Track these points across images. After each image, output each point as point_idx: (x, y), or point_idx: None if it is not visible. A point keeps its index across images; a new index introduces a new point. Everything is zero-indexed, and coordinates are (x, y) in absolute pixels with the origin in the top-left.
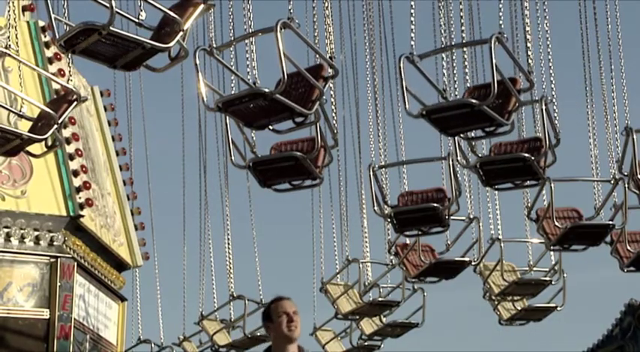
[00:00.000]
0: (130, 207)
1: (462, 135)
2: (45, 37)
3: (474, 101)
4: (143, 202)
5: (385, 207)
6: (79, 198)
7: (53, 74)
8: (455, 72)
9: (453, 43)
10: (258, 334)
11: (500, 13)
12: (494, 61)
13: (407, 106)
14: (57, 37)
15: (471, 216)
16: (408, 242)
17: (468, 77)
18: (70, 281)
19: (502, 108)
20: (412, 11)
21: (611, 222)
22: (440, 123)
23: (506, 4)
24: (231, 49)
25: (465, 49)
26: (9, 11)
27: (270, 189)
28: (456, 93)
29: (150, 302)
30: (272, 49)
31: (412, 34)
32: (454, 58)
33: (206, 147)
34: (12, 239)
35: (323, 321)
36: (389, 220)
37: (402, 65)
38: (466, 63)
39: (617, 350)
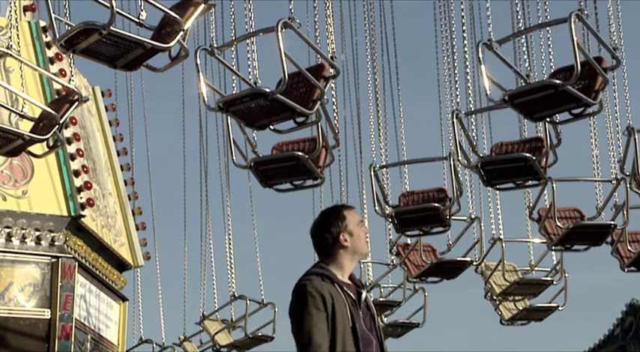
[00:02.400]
0: (131, 207)
1: (548, 119)
2: (46, 37)
3: (557, 81)
4: (144, 202)
5: (386, 207)
6: (80, 198)
7: (54, 74)
8: (533, 57)
9: (530, 26)
10: (260, 334)
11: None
12: (574, 39)
13: (488, 92)
14: (57, 37)
15: (473, 216)
16: (409, 242)
17: (552, 61)
18: (71, 281)
19: (589, 88)
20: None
21: (612, 222)
22: (524, 108)
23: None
24: (232, 48)
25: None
26: (10, 11)
27: (272, 189)
28: (542, 75)
29: (151, 302)
30: (273, 49)
31: (488, 21)
32: (532, 42)
33: (207, 147)
34: (13, 239)
35: None
36: (390, 220)
37: (481, 52)
38: (550, 45)
39: (618, 350)
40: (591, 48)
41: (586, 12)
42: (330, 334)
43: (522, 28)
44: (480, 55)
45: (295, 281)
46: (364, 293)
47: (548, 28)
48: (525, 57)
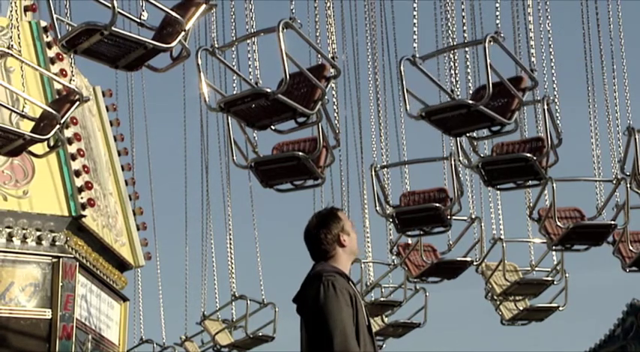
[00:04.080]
0: (132, 207)
1: (467, 135)
2: (47, 37)
3: (470, 102)
4: (145, 202)
5: (387, 207)
6: (81, 198)
7: (55, 74)
8: (457, 72)
9: (451, 44)
10: (260, 334)
11: (498, 13)
12: (488, 61)
13: (408, 107)
14: (59, 37)
15: (473, 216)
16: (409, 242)
17: (470, 77)
18: (72, 281)
19: (506, 107)
20: (414, 13)
21: (613, 222)
22: (442, 125)
23: (508, 4)
24: (233, 49)
25: (466, 49)
26: (11, 11)
27: (272, 189)
28: (458, 94)
29: (152, 302)
30: (274, 49)
31: (414, 36)
32: (456, 58)
33: (208, 147)
34: (14, 239)
35: None
36: (391, 220)
37: (402, 67)
38: (468, 63)
39: (619, 350)
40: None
41: (502, 35)
42: (355, 332)
43: (444, 46)
44: (402, 71)
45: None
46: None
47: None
48: (452, 73)
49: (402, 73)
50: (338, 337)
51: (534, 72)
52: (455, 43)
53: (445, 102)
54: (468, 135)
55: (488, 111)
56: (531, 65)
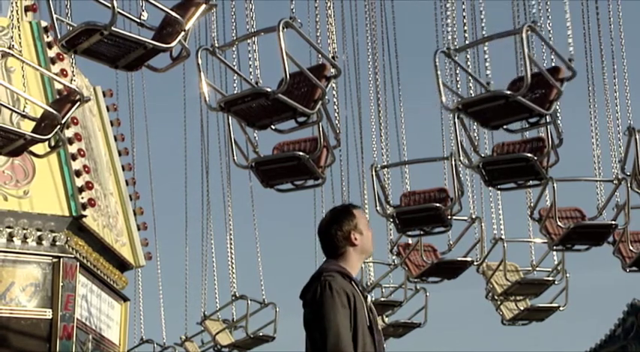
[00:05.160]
0: (133, 207)
1: (503, 127)
2: (47, 37)
3: (508, 92)
4: (145, 202)
5: (387, 207)
6: (82, 198)
7: (56, 74)
8: (486, 65)
9: (486, 35)
10: (261, 334)
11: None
12: (526, 50)
13: (443, 100)
14: (59, 37)
15: (474, 216)
16: (410, 242)
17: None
18: (72, 281)
19: (544, 98)
20: (449, 4)
21: (613, 222)
22: (479, 117)
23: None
24: (234, 48)
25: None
26: (12, 11)
27: (273, 189)
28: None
29: (152, 302)
30: (274, 49)
31: (449, 28)
32: (486, 50)
33: (208, 147)
34: (14, 239)
35: None
36: (391, 220)
37: (437, 60)
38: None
39: (619, 350)
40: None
41: (539, 24)
42: (352, 332)
43: (483, 37)
44: (437, 64)
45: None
46: (369, 298)
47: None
48: (486, 65)
49: (437, 66)
50: (331, 338)
51: (572, 61)
52: (489, 34)
53: (483, 94)
54: (504, 127)
55: (527, 101)
56: (570, 55)
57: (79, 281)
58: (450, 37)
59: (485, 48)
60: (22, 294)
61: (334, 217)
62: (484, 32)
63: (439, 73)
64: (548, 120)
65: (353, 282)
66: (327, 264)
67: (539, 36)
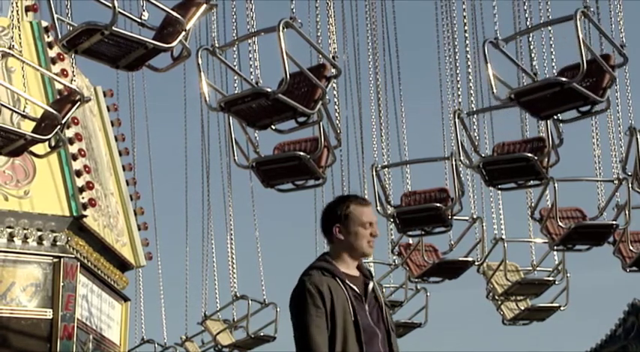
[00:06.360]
0: (133, 207)
1: (554, 117)
2: (48, 37)
3: (563, 79)
4: (146, 202)
5: (388, 207)
6: (82, 198)
7: (56, 74)
8: (535, 56)
9: (533, 25)
10: (262, 334)
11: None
12: (580, 36)
13: (495, 91)
14: (59, 37)
15: (474, 216)
16: (411, 242)
17: (553, 61)
18: (73, 281)
19: (596, 85)
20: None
21: (614, 222)
22: (531, 106)
23: (509, 4)
24: (234, 48)
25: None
26: (12, 11)
27: (273, 189)
28: (546, 74)
29: (153, 302)
30: (274, 49)
31: (495, 19)
32: (534, 41)
33: (209, 147)
34: (15, 239)
35: None
36: (392, 220)
37: (486, 50)
38: (552, 44)
39: (620, 350)
40: (594, 46)
41: (592, 9)
42: (330, 331)
43: (528, 26)
44: (486, 54)
45: (296, 281)
46: (371, 284)
47: (550, 27)
48: (531, 55)
49: (487, 56)
50: (299, 340)
51: (624, 48)
52: (533, 24)
53: (537, 82)
54: (555, 117)
55: (582, 88)
56: (621, 41)
57: (80, 281)
58: (450, 37)
59: (531, 38)
60: (22, 294)
61: (329, 205)
62: (523, 24)
63: (489, 64)
64: (601, 108)
65: (338, 277)
66: (318, 258)
67: (592, 21)
